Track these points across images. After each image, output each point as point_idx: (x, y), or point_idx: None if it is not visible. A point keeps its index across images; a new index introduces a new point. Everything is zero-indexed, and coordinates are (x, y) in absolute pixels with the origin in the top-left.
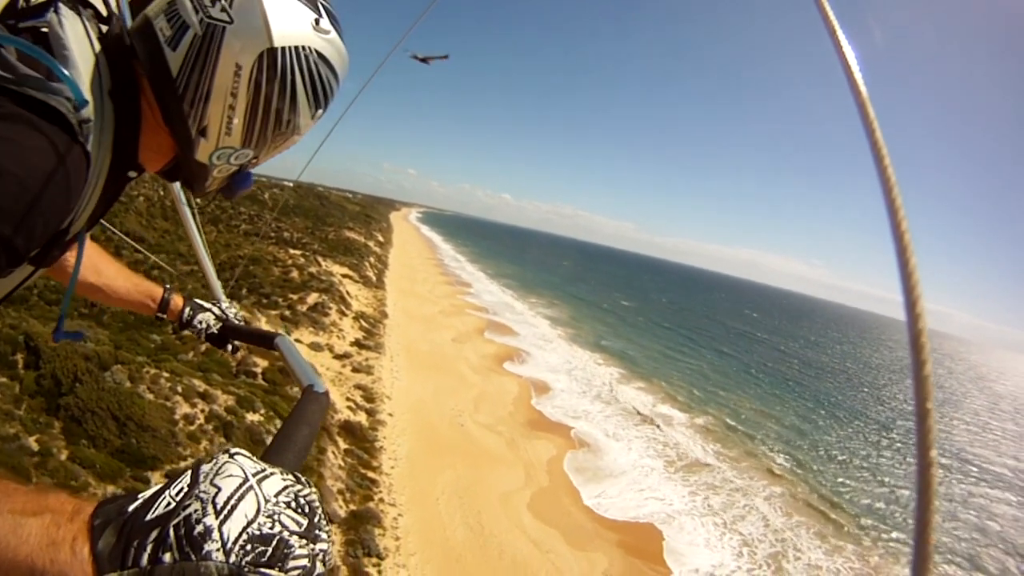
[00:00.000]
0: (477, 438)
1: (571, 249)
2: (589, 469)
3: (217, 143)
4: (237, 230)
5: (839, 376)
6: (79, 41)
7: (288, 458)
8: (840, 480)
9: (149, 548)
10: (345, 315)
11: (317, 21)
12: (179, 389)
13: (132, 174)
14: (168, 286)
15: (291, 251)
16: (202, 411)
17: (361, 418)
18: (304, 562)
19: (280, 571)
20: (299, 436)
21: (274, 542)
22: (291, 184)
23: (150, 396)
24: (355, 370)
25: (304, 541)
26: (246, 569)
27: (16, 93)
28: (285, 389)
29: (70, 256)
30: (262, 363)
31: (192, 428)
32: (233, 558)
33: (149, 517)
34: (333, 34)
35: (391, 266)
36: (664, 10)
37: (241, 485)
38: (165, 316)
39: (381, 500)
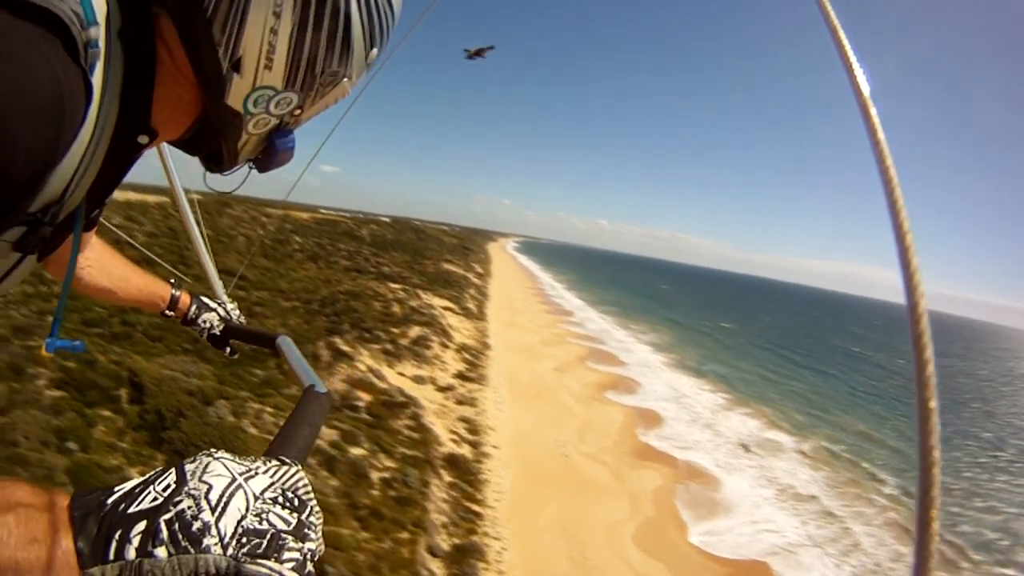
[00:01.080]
0: (581, 469)
1: (668, 272)
2: (696, 499)
3: (255, 81)
4: (337, 266)
5: (946, 392)
6: None
7: (288, 457)
8: (953, 509)
9: (136, 541)
10: (447, 347)
11: None
12: (281, 423)
13: (143, 139)
14: (174, 282)
15: (391, 285)
16: None
17: (465, 451)
18: (296, 555)
19: (276, 562)
20: (300, 436)
21: (268, 536)
22: (387, 219)
23: (254, 431)
24: (459, 402)
25: (294, 538)
26: (244, 561)
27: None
28: (389, 423)
29: (67, 248)
30: (366, 397)
31: None
32: (230, 551)
33: (132, 510)
34: None
35: (491, 297)
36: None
37: (231, 483)
38: (173, 314)
39: (485, 534)
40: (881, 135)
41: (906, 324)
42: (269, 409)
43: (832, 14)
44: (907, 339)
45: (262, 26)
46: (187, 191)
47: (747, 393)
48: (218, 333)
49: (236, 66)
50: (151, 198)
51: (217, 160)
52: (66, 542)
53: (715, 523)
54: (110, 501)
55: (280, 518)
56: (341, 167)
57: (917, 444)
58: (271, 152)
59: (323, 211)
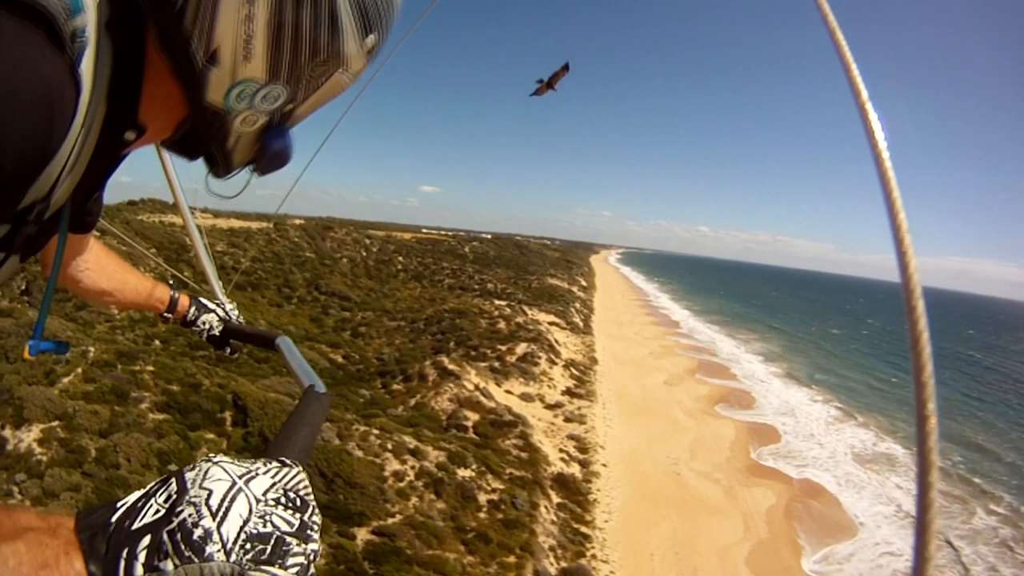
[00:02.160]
0: (693, 487)
1: (772, 277)
2: (812, 519)
3: (234, 73)
4: (441, 284)
5: None
6: None
7: (288, 458)
8: None
9: (142, 556)
10: (555, 363)
11: None
12: (389, 446)
13: (130, 135)
14: (172, 283)
15: (496, 302)
16: (412, 468)
17: (575, 470)
18: (301, 559)
19: (281, 568)
20: (299, 436)
21: (272, 540)
22: (489, 236)
23: (359, 453)
24: (567, 420)
25: (297, 540)
26: (248, 568)
27: None
28: (497, 442)
29: (69, 253)
30: (473, 416)
31: (402, 485)
32: (234, 557)
33: (136, 525)
34: None
35: (596, 310)
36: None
37: (231, 487)
38: (172, 316)
39: (594, 556)
40: (879, 137)
41: (1016, 322)
42: (375, 431)
43: (830, 15)
44: (1018, 338)
45: (235, 13)
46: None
47: (859, 404)
48: (217, 334)
49: (212, 59)
50: (255, 224)
51: (214, 163)
52: (78, 565)
53: (833, 548)
54: (114, 519)
55: (283, 519)
56: (441, 187)
57: (916, 447)
58: (265, 153)
59: (425, 231)
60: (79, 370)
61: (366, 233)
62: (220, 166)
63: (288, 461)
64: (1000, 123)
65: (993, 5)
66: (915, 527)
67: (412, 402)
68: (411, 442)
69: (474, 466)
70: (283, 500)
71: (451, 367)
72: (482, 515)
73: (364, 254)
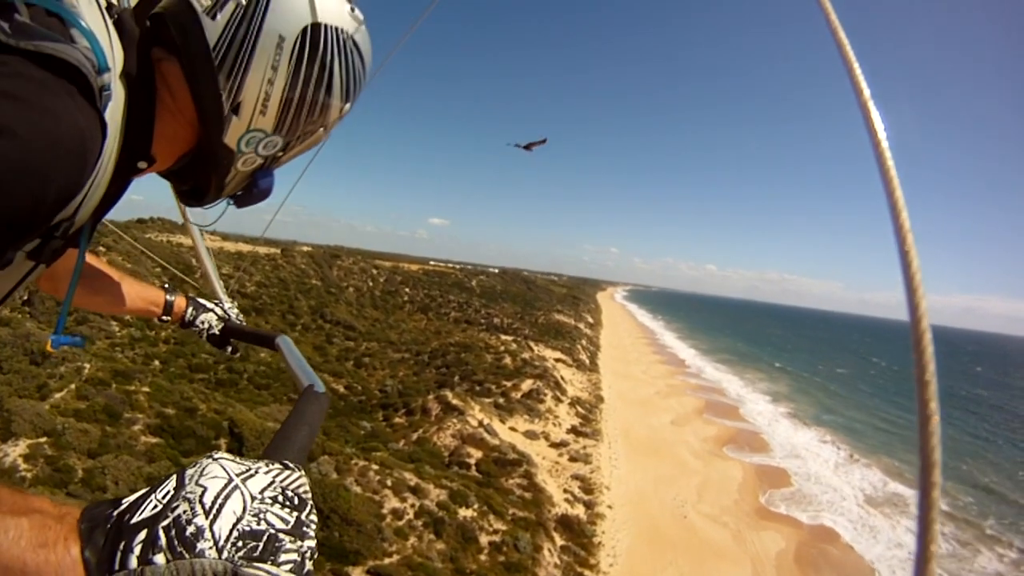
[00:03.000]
0: (700, 530)
1: (779, 316)
2: (824, 564)
3: (250, 123)
4: (447, 318)
5: None
6: (93, 15)
7: (287, 458)
8: None
9: (137, 550)
10: (561, 401)
11: (352, 8)
12: (388, 482)
13: (142, 164)
14: (168, 286)
15: (502, 337)
16: (412, 506)
17: (579, 511)
18: (294, 556)
19: (273, 564)
20: (298, 436)
21: (265, 538)
22: (496, 270)
23: (357, 489)
24: (572, 459)
25: (292, 537)
26: (240, 564)
27: (29, 52)
28: (500, 481)
29: (64, 262)
30: (476, 453)
31: (400, 523)
32: (226, 554)
33: (135, 520)
34: (364, 28)
35: (603, 347)
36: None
37: (227, 485)
38: (169, 319)
39: None
40: (882, 136)
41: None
42: (375, 467)
43: (833, 15)
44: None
45: (261, 77)
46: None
47: (866, 445)
48: (218, 333)
49: (236, 109)
50: (262, 250)
51: (200, 194)
52: (74, 550)
53: None
54: (116, 512)
55: (278, 517)
56: (450, 219)
57: (918, 450)
58: (252, 189)
59: (432, 263)
60: (72, 386)
61: (373, 263)
62: (209, 196)
63: (291, 464)
64: (1005, 157)
65: (990, 32)
66: (917, 526)
67: (414, 436)
68: (412, 479)
69: (476, 505)
70: (280, 498)
71: (455, 402)
72: (483, 557)
73: (371, 284)
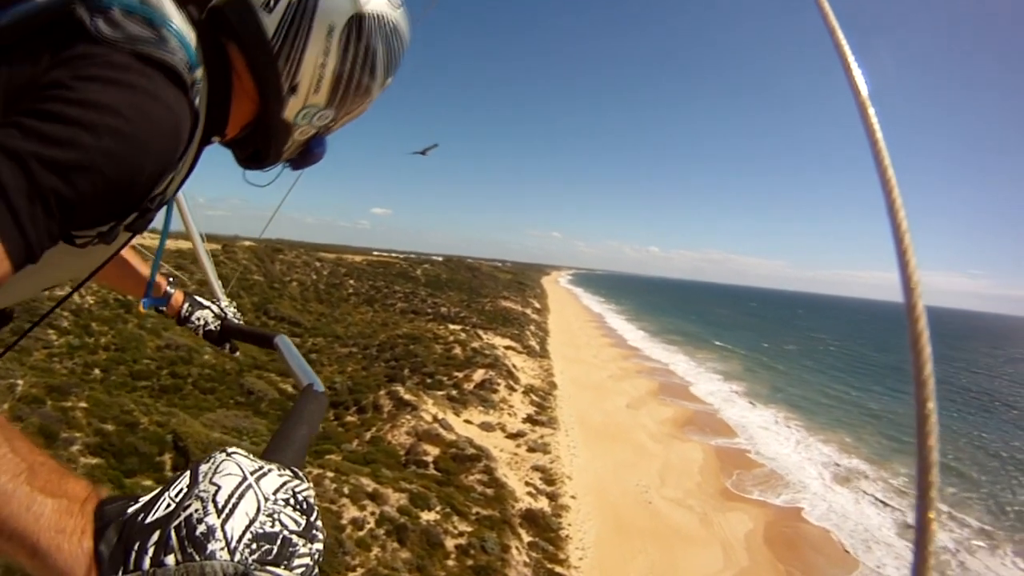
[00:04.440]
0: (666, 515)
1: (725, 296)
2: (794, 542)
3: (305, 100)
4: (393, 308)
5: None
6: (177, 15)
7: (287, 457)
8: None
9: (151, 551)
10: (514, 390)
11: None
12: (346, 490)
13: (215, 138)
14: (170, 279)
15: (451, 326)
16: (372, 513)
17: (543, 504)
18: (307, 560)
19: (286, 569)
20: (298, 435)
21: (279, 540)
22: (440, 258)
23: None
24: (531, 449)
25: (304, 540)
26: (252, 567)
27: (130, 51)
28: (460, 479)
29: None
30: (432, 450)
31: (362, 534)
32: (238, 556)
33: (149, 520)
34: (402, 10)
35: (552, 332)
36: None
37: (241, 483)
38: (165, 310)
39: None
40: (879, 135)
41: (966, 332)
42: (330, 474)
43: (830, 13)
44: (962, 349)
45: (315, 61)
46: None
47: (821, 421)
48: (215, 330)
49: (293, 89)
50: (207, 246)
51: (259, 158)
52: (87, 545)
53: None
54: (130, 511)
55: (291, 519)
56: (392, 208)
57: (916, 445)
58: (308, 154)
59: (376, 253)
60: (6, 406)
61: (316, 256)
62: (268, 160)
63: (300, 474)
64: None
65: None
66: (916, 526)
67: (367, 436)
68: (369, 484)
69: (438, 508)
70: (291, 501)
71: (407, 397)
72: (451, 563)
73: (315, 277)
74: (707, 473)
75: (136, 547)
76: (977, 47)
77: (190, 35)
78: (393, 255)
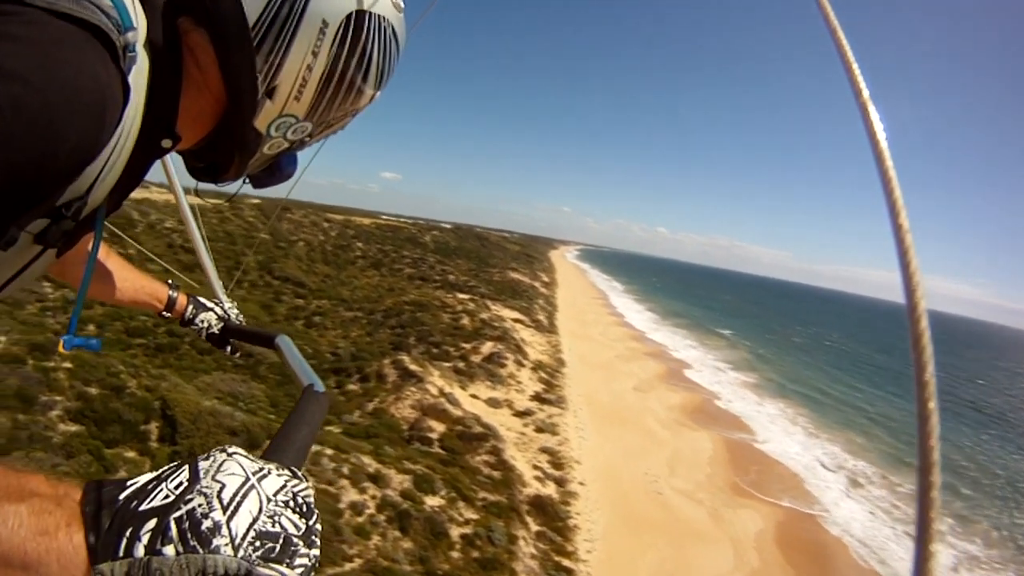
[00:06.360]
0: (676, 508)
1: (731, 282)
2: (807, 546)
3: (283, 108)
4: (400, 274)
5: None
6: None
7: (288, 458)
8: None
9: (145, 539)
10: (523, 365)
11: None
12: (345, 470)
13: (167, 143)
14: (171, 282)
15: (459, 295)
16: (373, 497)
17: (551, 490)
18: (307, 561)
19: (288, 567)
20: (299, 436)
21: (281, 539)
22: (449, 226)
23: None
24: (539, 430)
25: (304, 543)
26: (256, 564)
27: (45, 8)
28: (466, 459)
29: (75, 252)
30: (438, 427)
31: (361, 520)
32: (242, 553)
33: (144, 507)
34: (403, 15)
35: (559, 307)
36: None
37: (244, 483)
38: (170, 315)
39: None
40: (881, 136)
41: (968, 341)
42: (329, 451)
43: (831, 14)
44: (963, 357)
45: (300, 62)
46: (187, 189)
47: (830, 418)
48: (217, 332)
49: (270, 93)
50: (213, 201)
51: (217, 171)
52: (76, 537)
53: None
54: (122, 497)
55: (291, 522)
56: (401, 174)
57: (917, 445)
58: (274, 171)
59: (384, 217)
60: None
61: (325, 216)
62: (229, 175)
63: (299, 473)
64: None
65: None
66: (916, 525)
67: (370, 407)
68: (371, 464)
69: (443, 492)
70: (292, 504)
71: (413, 367)
72: (455, 554)
73: (322, 238)
74: (717, 465)
75: (128, 533)
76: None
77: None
78: (402, 220)
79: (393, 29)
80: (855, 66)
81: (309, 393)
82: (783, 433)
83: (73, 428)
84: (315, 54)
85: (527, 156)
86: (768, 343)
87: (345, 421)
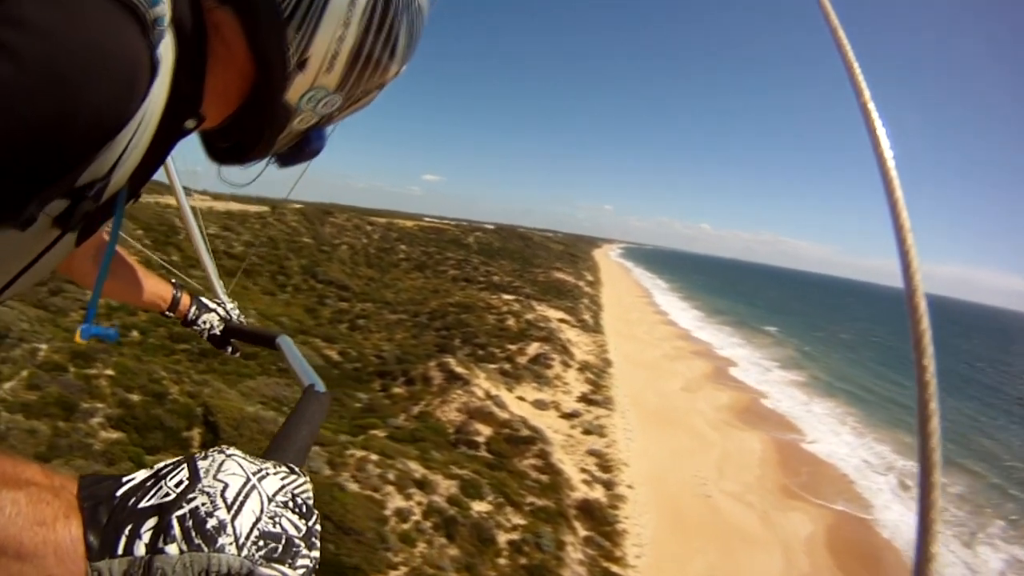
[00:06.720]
0: (726, 512)
1: (777, 278)
2: (859, 553)
3: (314, 80)
4: (445, 276)
5: None
6: None
7: (287, 458)
8: None
9: (146, 537)
10: (569, 366)
11: None
12: (391, 476)
13: (191, 123)
14: (175, 282)
15: (504, 296)
16: (419, 504)
17: (599, 493)
18: (308, 562)
19: (291, 568)
20: (299, 436)
21: (283, 540)
22: (492, 227)
23: (354, 487)
24: (586, 432)
25: (304, 545)
26: (259, 564)
27: None
28: (514, 463)
29: (85, 249)
30: (485, 430)
31: (406, 527)
32: (246, 552)
33: (143, 504)
34: None
35: (604, 307)
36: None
37: (246, 483)
38: (173, 315)
39: None
40: (881, 134)
41: (1019, 333)
42: (374, 457)
43: (832, 13)
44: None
45: (332, 33)
46: (187, 189)
47: (881, 417)
48: (218, 333)
49: (301, 65)
50: (253, 208)
51: (244, 151)
52: (75, 530)
53: None
54: (120, 493)
55: (291, 523)
56: (443, 175)
57: (918, 446)
58: (304, 146)
59: (427, 219)
60: (24, 373)
61: (367, 220)
62: (256, 153)
63: (297, 469)
64: (1000, 128)
65: (989, 17)
66: (916, 526)
67: (415, 410)
68: (417, 469)
69: (491, 497)
70: (291, 504)
71: (459, 370)
72: (503, 561)
73: (365, 241)
74: (766, 467)
75: (128, 530)
76: None
77: None
78: (445, 222)
79: (419, 5)
80: (856, 65)
81: (310, 393)
82: (831, 433)
83: (114, 435)
84: (346, 24)
85: (570, 157)
86: (814, 340)
87: (391, 425)
